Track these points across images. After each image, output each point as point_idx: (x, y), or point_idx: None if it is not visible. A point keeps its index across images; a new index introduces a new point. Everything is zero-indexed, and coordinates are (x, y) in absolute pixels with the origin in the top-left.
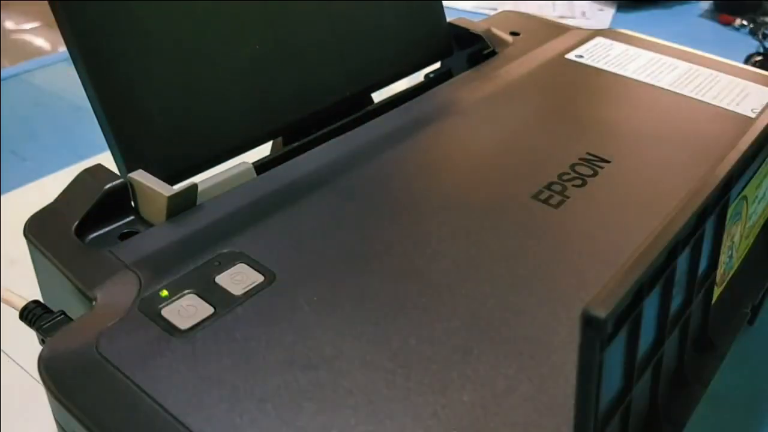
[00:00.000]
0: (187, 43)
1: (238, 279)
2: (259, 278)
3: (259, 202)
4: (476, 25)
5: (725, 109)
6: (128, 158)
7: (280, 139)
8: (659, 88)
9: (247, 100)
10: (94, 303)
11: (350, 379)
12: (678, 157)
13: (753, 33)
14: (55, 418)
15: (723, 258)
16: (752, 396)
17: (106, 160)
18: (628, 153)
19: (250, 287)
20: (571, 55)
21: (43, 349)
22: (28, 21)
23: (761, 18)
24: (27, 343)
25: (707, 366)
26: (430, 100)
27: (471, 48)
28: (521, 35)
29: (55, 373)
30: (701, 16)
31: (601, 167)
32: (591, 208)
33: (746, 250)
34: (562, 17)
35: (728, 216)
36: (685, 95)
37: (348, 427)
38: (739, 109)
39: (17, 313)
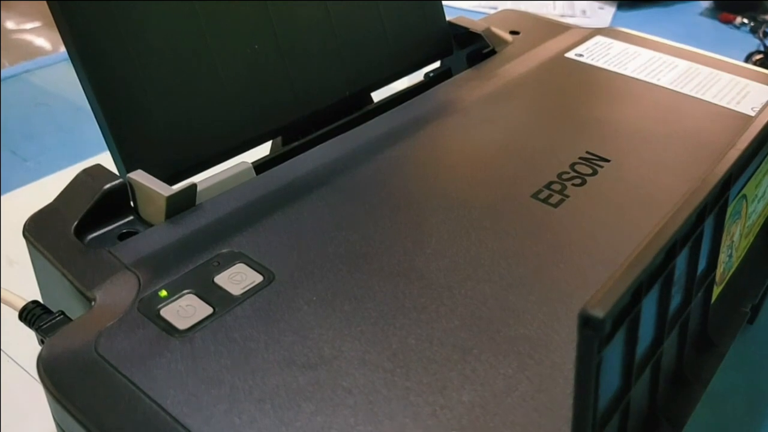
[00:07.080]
0: (187, 43)
1: (237, 279)
2: (258, 278)
3: (258, 202)
4: (476, 24)
5: (725, 107)
6: (127, 158)
7: (279, 138)
8: (659, 86)
9: (246, 100)
10: (93, 303)
11: (349, 379)
12: (678, 156)
13: (753, 31)
14: (54, 418)
15: (722, 257)
16: (752, 396)
17: (106, 160)
18: (627, 152)
19: (249, 287)
20: (571, 54)
21: (42, 349)
22: (28, 21)
23: (761, 16)
24: (27, 343)
25: (707, 366)
26: (430, 99)
27: (471, 47)
28: (521, 34)
29: (54, 373)
30: (701, 14)
31: (601, 166)
32: (591, 208)
33: (746, 249)
34: (562, 16)
35: (728, 215)
36: (685, 94)
37: (347, 427)
38: (739, 108)
39: (17, 313)
